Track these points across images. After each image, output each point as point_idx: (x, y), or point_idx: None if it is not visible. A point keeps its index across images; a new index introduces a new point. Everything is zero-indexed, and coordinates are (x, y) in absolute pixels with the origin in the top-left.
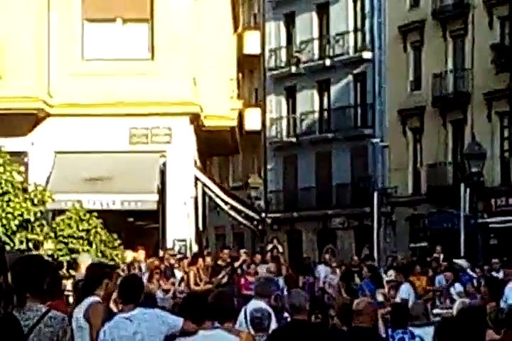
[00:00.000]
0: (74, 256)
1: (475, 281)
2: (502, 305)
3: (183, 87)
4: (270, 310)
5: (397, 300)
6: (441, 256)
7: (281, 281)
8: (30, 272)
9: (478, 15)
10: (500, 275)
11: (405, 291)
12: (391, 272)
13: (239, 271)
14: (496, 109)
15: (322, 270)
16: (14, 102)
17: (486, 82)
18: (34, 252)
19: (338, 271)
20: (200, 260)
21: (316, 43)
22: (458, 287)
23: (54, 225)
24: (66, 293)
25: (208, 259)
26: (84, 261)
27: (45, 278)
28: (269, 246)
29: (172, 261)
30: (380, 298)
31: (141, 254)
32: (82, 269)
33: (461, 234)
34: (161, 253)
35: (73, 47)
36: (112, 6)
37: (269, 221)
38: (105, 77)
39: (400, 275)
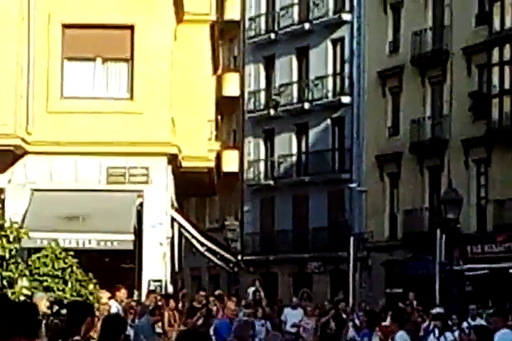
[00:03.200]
0: (49, 294)
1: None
2: None
3: (161, 128)
4: None
5: None
6: (415, 303)
7: (257, 323)
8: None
9: (456, 63)
10: (482, 322)
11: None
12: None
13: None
14: (473, 156)
15: (289, 313)
16: None
17: (463, 129)
18: (8, 290)
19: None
20: (172, 301)
21: (295, 87)
22: (449, 336)
23: (29, 263)
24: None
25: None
26: (38, 300)
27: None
28: (251, 289)
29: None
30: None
31: (123, 294)
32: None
33: (436, 281)
34: (136, 293)
35: (53, 85)
36: (92, 45)
37: (243, 264)
38: (84, 115)
39: (394, 323)
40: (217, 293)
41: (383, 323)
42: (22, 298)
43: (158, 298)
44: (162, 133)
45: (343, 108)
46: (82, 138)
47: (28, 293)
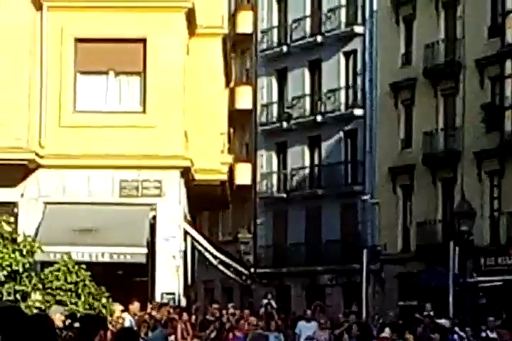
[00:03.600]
0: (64, 308)
1: None
2: None
3: (174, 141)
4: None
5: None
6: (432, 314)
7: (271, 337)
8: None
9: (469, 75)
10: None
11: None
12: (387, 330)
13: (227, 325)
14: (485, 168)
15: (303, 326)
16: (5, 153)
17: (476, 141)
18: (22, 304)
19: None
20: (185, 314)
21: (307, 99)
22: None
23: (42, 277)
24: None
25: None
26: (53, 313)
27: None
28: (264, 302)
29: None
30: None
31: (136, 307)
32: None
33: (449, 293)
34: (149, 306)
35: (65, 99)
36: (104, 59)
37: (256, 277)
38: (97, 129)
39: (394, 333)
40: (230, 306)
41: (382, 334)
42: (35, 311)
43: (171, 310)
44: (175, 146)
45: (356, 120)
46: (94, 152)
47: (42, 306)
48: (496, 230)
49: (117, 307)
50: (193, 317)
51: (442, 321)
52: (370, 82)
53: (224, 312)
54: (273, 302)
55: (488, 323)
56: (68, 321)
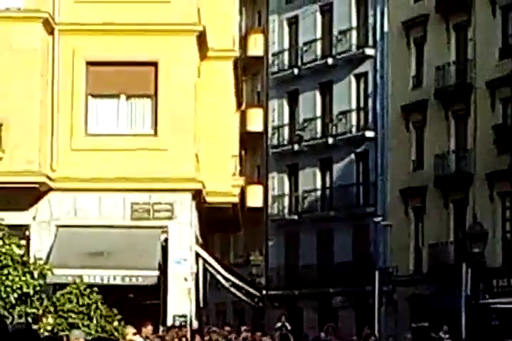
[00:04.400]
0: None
1: None
2: None
3: (185, 163)
4: None
5: None
6: (447, 336)
7: None
8: None
9: (480, 96)
10: None
11: None
12: None
13: None
14: (497, 189)
15: None
16: (17, 176)
17: (488, 163)
18: (34, 326)
19: None
20: (197, 337)
21: (318, 122)
22: None
23: (54, 299)
24: None
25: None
26: (76, 337)
27: None
28: (278, 324)
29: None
30: None
31: (149, 330)
32: None
33: (462, 315)
34: (161, 329)
35: (77, 122)
36: (116, 82)
37: (267, 300)
38: (108, 152)
39: None
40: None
41: None
42: (46, 334)
43: (182, 333)
44: (186, 169)
45: (367, 142)
46: (106, 175)
47: (54, 329)
48: (508, 251)
49: (130, 330)
50: (206, 337)
51: None
52: (381, 104)
53: (233, 336)
54: (287, 325)
55: None
56: None
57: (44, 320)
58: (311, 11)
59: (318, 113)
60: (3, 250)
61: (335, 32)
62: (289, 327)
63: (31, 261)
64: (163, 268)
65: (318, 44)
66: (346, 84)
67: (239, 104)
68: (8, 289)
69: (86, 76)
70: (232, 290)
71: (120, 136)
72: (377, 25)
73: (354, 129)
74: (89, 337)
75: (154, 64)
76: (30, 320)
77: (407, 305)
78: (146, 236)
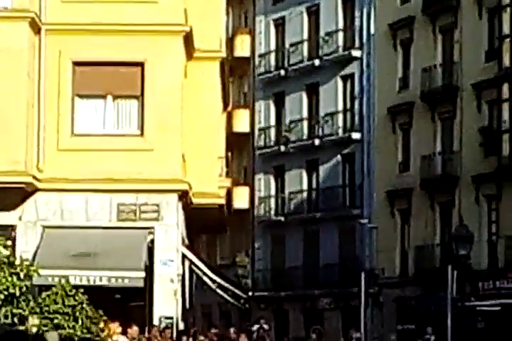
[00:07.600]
0: (59, 331)
1: None
2: None
3: (172, 164)
4: None
5: None
6: (433, 338)
7: None
8: None
9: (466, 98)
10: None
11: None
12: None
13: None
14: (483, 191)
15: None
16: (3, 176)
17: (474, 165)
18: (20, 327)
19: None
20: (184, 338)
21: (305, 123)
22: None
23: (40, 300)
24: None
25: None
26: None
27: None
28: (255, 327)
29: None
30: None
31: (134, 331)
32: None
33: (448, 317)
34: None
35: (63, 123)
36: (102, 82)
37: (253, 301)
38: (94, 152)
39: None
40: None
41: None
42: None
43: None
44: (173, 169)
45: (354, 144)
46: (92, 175)
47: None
48: (494, 254)
49: (115, 326)
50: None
51: None
52: (368, 106)
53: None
54: (265, 326)
55: None
56: None
57: (30, 320)
58: (297, 12)
59: (305, 114)
60: None
61: (321, 33)
62: (267, 328)
63: (17, 262)
64: (149, 269)
65: (305, 45)
66: (333, 85)
67: (225, 105)
68: None
69: (72, 76)
70: (219, 291)
71: (107, 136)
72: (364, 26)
73: (340, 131)
74: (76, 338)
75: (141, 64)
76: (16, 320)
77: (393, 307)
78: (133, 237)
